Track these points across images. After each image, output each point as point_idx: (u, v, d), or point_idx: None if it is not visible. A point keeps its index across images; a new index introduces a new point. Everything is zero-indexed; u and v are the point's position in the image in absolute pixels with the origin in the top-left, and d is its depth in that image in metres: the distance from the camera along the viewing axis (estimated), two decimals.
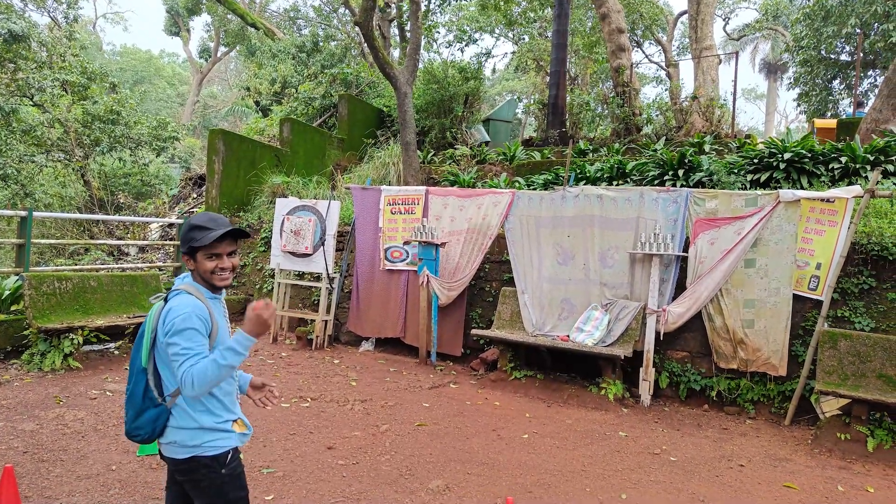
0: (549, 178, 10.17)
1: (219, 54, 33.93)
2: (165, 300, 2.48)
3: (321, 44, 20.76)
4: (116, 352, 7.78)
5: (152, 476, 4.39)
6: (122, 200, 15.18)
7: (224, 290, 2.65)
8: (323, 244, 9.15)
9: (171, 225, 13.29)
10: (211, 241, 2.42)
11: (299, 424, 5.69)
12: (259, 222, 11.33)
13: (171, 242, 11.52)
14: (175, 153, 18.23)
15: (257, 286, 10.88)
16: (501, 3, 18.81)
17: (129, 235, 13.66)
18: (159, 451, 2.55)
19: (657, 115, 13.84)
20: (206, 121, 34.75)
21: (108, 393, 6.33)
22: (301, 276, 9.93)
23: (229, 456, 2.49)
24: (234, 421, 2.57)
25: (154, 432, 2.47)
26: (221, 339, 2.49)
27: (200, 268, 2.48)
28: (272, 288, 10.06)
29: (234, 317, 10.66)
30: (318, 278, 9.64)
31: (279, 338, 9.44)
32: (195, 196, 15.36)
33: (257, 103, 21.56)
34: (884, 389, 5.59)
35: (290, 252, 9.34)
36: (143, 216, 14.55)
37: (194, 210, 14.11)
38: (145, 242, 12.34)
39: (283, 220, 9.43)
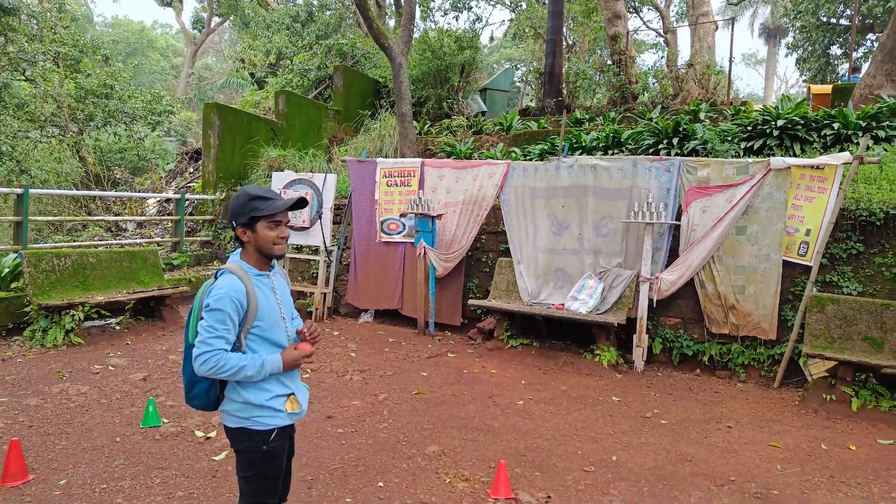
0: (546, 147, 10.20)
1: (212, 25, 33.50)
2: (215, 277, 2.53)
3: (315, 13, 20.53)
4: (117, 327, 7.90)
5: (156, 447, 4.53)
6: (118, 176, 15.17)
7: (279, 260, 2.71)
8: (320, 217, 9.22)
9: (168, 200, 13.33)
10: (280, 210, 2.51)
11: None
12: None
13: (170, 217, 11.60)
14: (171, 127, 18.13)
15: None
16: None
17: (126, 211, 13.70)
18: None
19: (654, 84, 13.79)
20: (202, 93, 34.50)
21: (110, 367, 6.46)
22: (299, 249, 10.02)
23: (273, 434, 2.55)
24: (288, 397, 2.61)
25: (209, 402, 2.59)
26: (261, 315, 2.51)
27: (261, 238, 2.51)
28: None
29: None
30: (316, 251, 9.73)
31: None
32: (192, 171, 15.37)
33: (252, 75, 21.41)
34: (868, 351, 5.72)
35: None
36: (139, 191, 14.58)
37: (192, 185, 14.12)
38: (143, 218, 12.40)
39: (280, 194, 9.48)
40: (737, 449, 4.83)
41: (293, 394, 2.63)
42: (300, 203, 2.62)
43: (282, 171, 10.57)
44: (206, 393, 2.56)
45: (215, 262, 11.41)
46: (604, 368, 6.93)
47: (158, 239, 11.73)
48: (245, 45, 21.86)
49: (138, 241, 11.37)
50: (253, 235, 2.52)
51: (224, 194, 11.63)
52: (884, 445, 4.96)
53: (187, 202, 12.04)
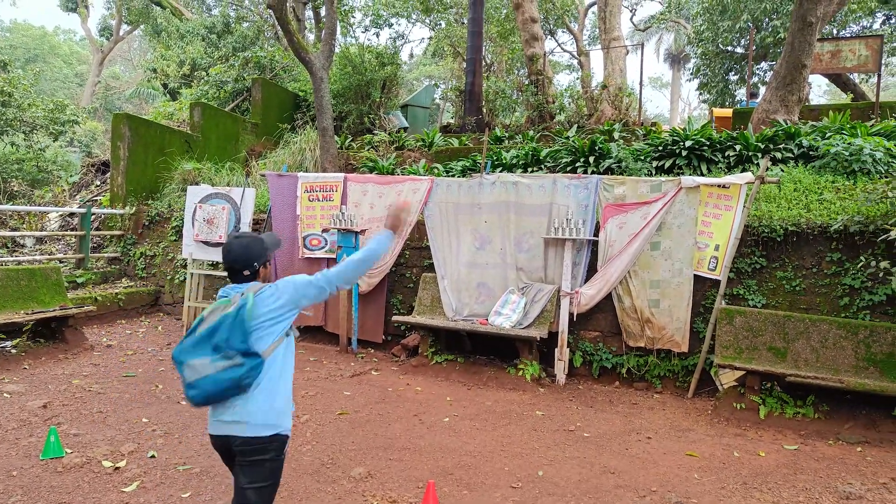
0: (467, 164, 10.32)
1: (121, 33, 32.08)
2: (243, 296, 2.79)
3: (232, 25, 20.05)
4: (14, 350, 7.34)
5: (58, 480, 4.22)
6: (15, 188, 14.20)
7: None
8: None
9: (72, 214, 12.59)
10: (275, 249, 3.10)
11: None
12: (169, 210, 10.94)
13: (73, 233, 10.96)
14: (74, 137, 17.19)
15: (168, 277, 10.52)
16: None
17: (24, 226, 12.84)
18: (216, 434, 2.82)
19: (570, 103, 14.23)
20: (109, 103, 32.90)
21: (5, 395, 5.97)
22: (215, 265, 9.68)
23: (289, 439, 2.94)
24: None
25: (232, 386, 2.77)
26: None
27: (267, 274, 3.01)
28: (185, 279, 9.75)
29: (145, 309, 10.30)
30: None
31: None
32: (98, 183, 14.58)
33: (165, 86, 20.63)
34: (773, 361, 6.06)
35: (203, 241, 9.09)
36: (40, 205, 13.71)
37: (98, 198, 13.40)
38: (43, 233, 11.66)
39: (196, 209, 9.15)
40: (656, 459, 4.99)
41: None
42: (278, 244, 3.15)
43: (197, 184, 10.21)
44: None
45: (124, 280, 10.85)
46: (527, 382, 7.02)
47: (61, 255, 11.05)
48: (157, 54, 21.07)
49: (38, 257, 10.67)
50: (265, 272, 3.00)
51: (135, 208, 11.11)
52: (790, 451, 5.25)
53: (94, 216, 11.42)
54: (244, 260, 2.86)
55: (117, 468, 4.47)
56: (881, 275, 6.17)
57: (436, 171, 10.47)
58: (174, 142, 12.21)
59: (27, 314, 7.44)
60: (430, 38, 25.20)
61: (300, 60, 11.27)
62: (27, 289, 7.93)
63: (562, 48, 28.13)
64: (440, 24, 23.49)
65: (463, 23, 20.89)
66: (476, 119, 14.19)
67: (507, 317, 7.50)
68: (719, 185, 6.99)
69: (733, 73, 19.96)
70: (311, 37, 20.20)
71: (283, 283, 2.84)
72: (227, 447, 2.80)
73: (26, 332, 7.60)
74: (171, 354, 2.62)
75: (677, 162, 8.76)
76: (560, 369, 7.24)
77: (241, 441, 2.72)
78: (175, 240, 10.52)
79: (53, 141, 15.17)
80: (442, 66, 27.52)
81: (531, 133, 12.05)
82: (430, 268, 8.39)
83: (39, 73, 18.49)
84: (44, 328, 7.87)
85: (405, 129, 14.91)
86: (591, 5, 25.65)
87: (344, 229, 8.22)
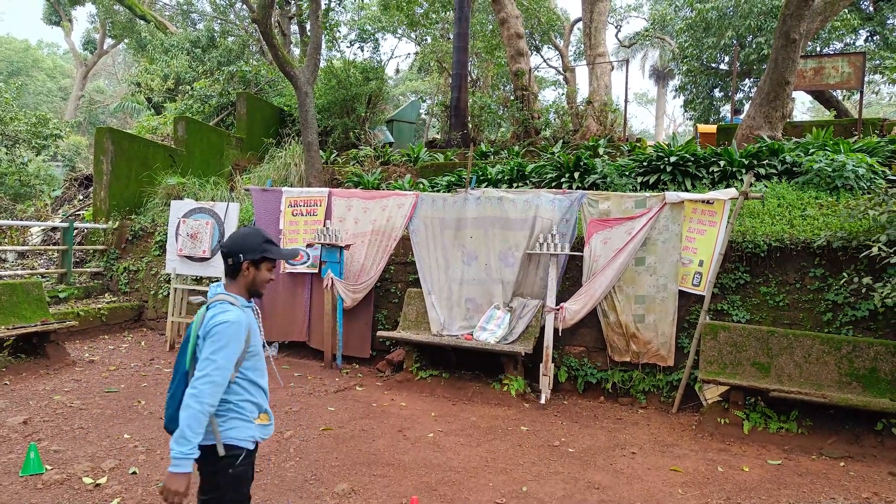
0: (453, 179, 10.33)
1: (105, 47, 31.93)
2: (206, 307, 2.70)
3: (217, 39, 20.05)
4: None
5: (38, 497, 4.15)
6: None
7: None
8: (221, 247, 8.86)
9: (54, 228, 12.45)
10: (285, 257, 2.83)
11: None
12: (153, 225, 10.85)
13: (56, 247, 10.82)
14: (58, 151, 17.04)
15: (152, 292, 10.41)
16: (404, 4, 18.85)
17: (6, 240, 12.67)
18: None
19: (555, 119, 14.32)
20: (93, 117, 32.74)
21: None
22: (199, 280, 9.59)
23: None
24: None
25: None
26: (253, 343, 2.73)
27: (259, 277, 2.77)
28: (168, 293, 9.66)
29: (128, 324, 10.19)
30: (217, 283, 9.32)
31: (176, 345, 9.08)
32: (81, 198, 14.45)
33: (149, 100, 20.54)
34: (757, 376, 6.08)
35: (186, 256, 9.01)
36: (22, 219, 13.55)
37: (81, 213, 13.28)
38: (25, 248, 11.52)
39: (179, 223, 9.08)
40: (641, 475, 4.97)
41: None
42: (292, 254, 2.94)
43: (181, 199, 10.14)
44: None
45: (106, 295, 10.73)
46: (512, 398, 6.99)
47: (43, 270, 10.90)
48: (141, 68, 21.00)
49: (20, 272, 10.52)
50: (255, 272, 2.76)
51: (118, 223, 11.01)
52: (773, 465, 5.25)
53: (76, 231, 11.31)
54: (229, 247, 2.75)
55: (98, 485, 4.40)
56: (864, 290, 6.22)
57: (421, 185, 10.47)
58: (158, 156, 12.14)
59: (8, 329, 7.33)
60: (416, 53, 25.32)
61: (285, 75, 11.27)
62: (8, 304, 7.81)
63: (547, 64, 28.37)
64: (426, 40, 23.63)
65: (449, 38, 21.02)
66: (461, 134, 14.23)
67: (492, 332, 7.48)
68: (703, 201, 7.04)
69: (718, 89, 20.23)
70: (297, 51, 20.26)
71: (207, 345, 2.59)
72: None
73: (7, 348, 7.48)
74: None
75: (662, 177, 8.81)
76: (545, 385, 7.21)
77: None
78: (158, 255, 10.42)
79: (36, 155, 15.02)
80: (428, 82, 27.65)
81: (516, 148, 12.10)
82: (416, 283, 8.36)
83: (22, 87, 18.39)
84: (25, 343, 7.75)
85: (391, 143, 14.93)
86: (576, 21, 25.90)
87: (329, 244, 8.19)
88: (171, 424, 2.64)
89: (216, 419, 2.65)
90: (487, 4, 20.37)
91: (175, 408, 2.64)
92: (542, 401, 7.08)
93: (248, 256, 2.72)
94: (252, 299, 2.86)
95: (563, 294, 7.50)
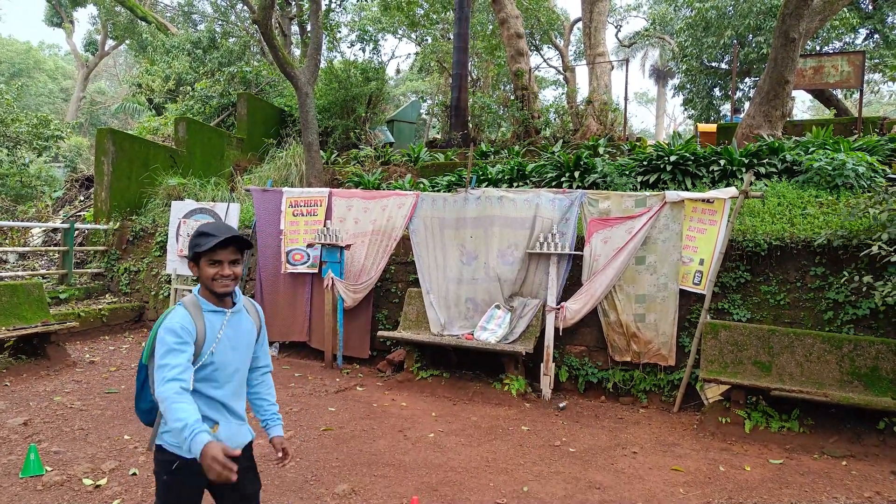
0: (453, 179, 10.33)
1: (106, 48, 31.99)
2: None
3: (218, 40, 20.05)
4: None
5: (38, 498, 4.15)
6: None
7: (236, 304, 2.67)
8: None
9: (55, 230, 12.47)
10: (211, 248, 2.48)
11: None
12: (154, 226, 10.86)
13: (57, 248, 10.83)
14: (59, 152, 17.07)
15: (153, 293, 10.42)
16: (404, 5, 18.86)
17: (7, 241, 12.69)
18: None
19: (555, 119, 14.32)
20: (94, 118, 32.80)
21: None
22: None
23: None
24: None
25: (149, 422, 2.71)
26: (203, 352, 2.50)
27: (203, 274, 2.54)
28: (168, 294, 9.67)
29: (129, 325, 10.19)
30: None
31: None
32: (82, 199, 14.47)
33: (150, 101, 20.57)
34: (758, 375, 6.07)
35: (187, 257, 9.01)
36: (22, 220, 13.57)
37: (82, 214, 13.29)
38: (26, 249, 11.53)
39: (180, 224, 9.09)
40: (642, 474, 4.97)
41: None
42: (238, 241, 2.56)
43: (182, 199, 10.15)
44: (147, 413, 2.71)
45: (107, 296, 10.74)
46: (513, 398, 6.99)
47: (43, 271, 10.91)
48: (143, 69, 21.02)
49: (20, 273, 10.53)
50: (197, 271, 2.57)
51: (119, 223, 11.01)
52: (775, 465, 5.24)
53: (77, 232, 11.32)
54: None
55: (98, 486, 4.39)
56: (864, 289, 6.21)
57: (421, 185, 10.47)
58: (159, 157, 12.15)
59: (8, 330, 7.33)
60: (417, 53, 25.32)
61: (286, 75, 11.28)
62: (9, 305, 7.81)
63: (547, 63, 28.39)
64: (427, 40, 23.63)
65: (449, 38, 21.03)
66: (462, 134, 14.23)
67: (492, 331, 7.48)
68: (704, 200, 7.03)
69: (717, 88, 20.22)
70: (297, 52, 20.26)
71: (158, 345, 2.42)
72: None
73: (8, 349, 7.48)
74: None
75: (662, 177, 8.81)
76: (546, 384, 7.21)
77: None
78: (159, 255, 10.43)
79: (37, 156, 15.06)
80: (428, 82, 27.66)
81: (517, 148, 12.10)
82: (416, 283, 8.36)
83: (24, 88, 18.41)
84: (25, 344, 7.75)
85: (391, 144, 14.92)
86: (576, 21, 25.91)
87: (329, 244, 8.19)
88: (143, 417, 2.72)
89: (162, 418, 2.54)
90: (487, 4, 20.38)
91: (136, 399, 2.71)
92: (544, 400, 7.08)
93: (188, 255, 2.58)
94: (237, 302, 2.67)
95: (564, 293, 7.50)
